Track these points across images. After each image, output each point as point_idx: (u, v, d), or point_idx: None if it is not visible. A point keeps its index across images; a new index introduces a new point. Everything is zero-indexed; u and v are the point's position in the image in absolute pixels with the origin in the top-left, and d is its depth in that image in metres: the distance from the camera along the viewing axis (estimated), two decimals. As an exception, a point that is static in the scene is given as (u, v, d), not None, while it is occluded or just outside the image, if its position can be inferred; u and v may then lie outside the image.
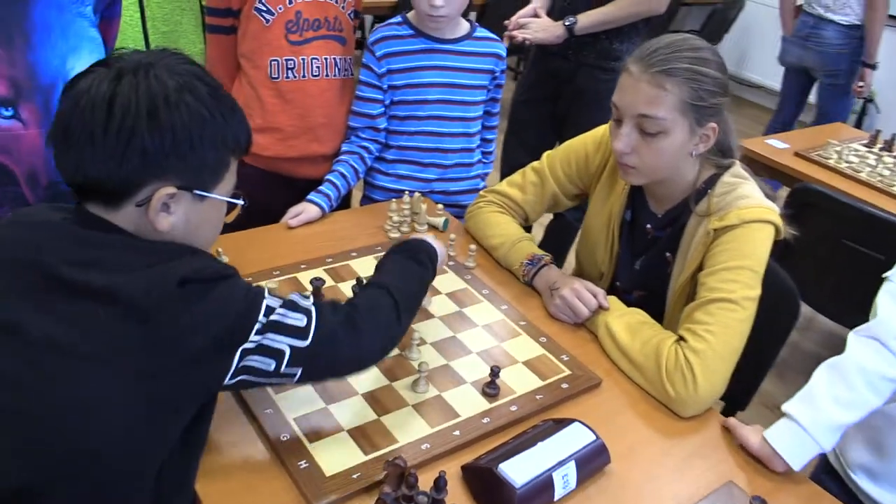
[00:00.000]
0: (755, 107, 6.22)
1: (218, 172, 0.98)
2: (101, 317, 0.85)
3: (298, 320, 0.98)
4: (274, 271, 1.51)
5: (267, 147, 1.86)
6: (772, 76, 6.02)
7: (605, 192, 1.62)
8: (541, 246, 2.90)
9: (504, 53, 1.93)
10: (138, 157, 0.89)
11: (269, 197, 1.88)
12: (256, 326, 0.93)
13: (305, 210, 1.74)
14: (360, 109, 1.89)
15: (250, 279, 1.46)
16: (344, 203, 1.99)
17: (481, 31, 1.91)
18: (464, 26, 1.88)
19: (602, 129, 1.64)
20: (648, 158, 1.39)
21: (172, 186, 0.93)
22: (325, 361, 1.03)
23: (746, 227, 1.37)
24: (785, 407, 1.23)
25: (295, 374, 0.99)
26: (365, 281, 1.38)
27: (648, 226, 1.56)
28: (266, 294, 0.98)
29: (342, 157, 1.89)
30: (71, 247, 0.91)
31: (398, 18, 1.87)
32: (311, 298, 1.06)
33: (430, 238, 1.35)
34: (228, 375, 0.92)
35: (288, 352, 0.96)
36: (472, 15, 4.64)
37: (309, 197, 1.78)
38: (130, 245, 0.93)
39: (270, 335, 0.95)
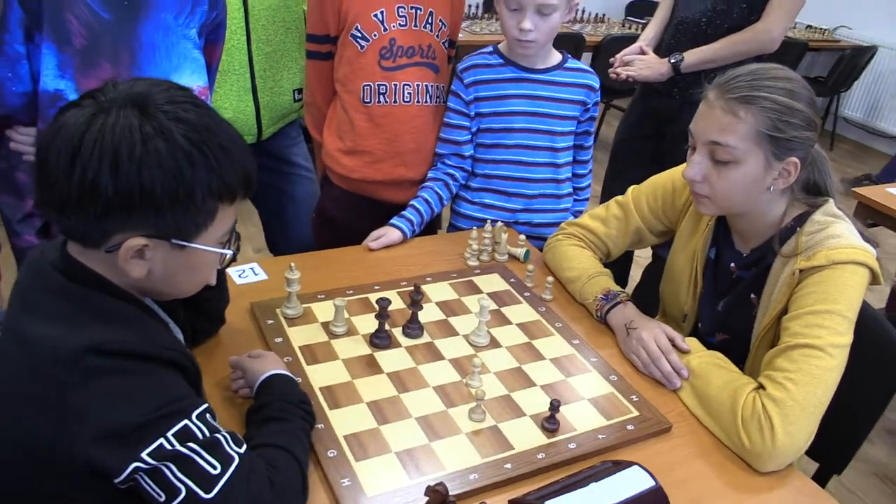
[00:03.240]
0: (884, 157, 5.83)
1: (202, 222, 0.92)
2: (23, 365, 0.86)
3: (211, 466, 0.86)
4: (347, 290, 1.52)
5: (355, 169, 1.89)
6: (906, 126, 5.68)
7: (690, 228, 1.55)
8: (638, 287, 2.80)
9: (597, 85, 1.90)
10: (102, 209, 0.85)
11: (353, 218, 1.93)
12: (158, 443, 0.83)
13: (387, 233, 1.76)
14: (447, 136, 1.90)
15: (322, 296, 1.48)
16: (431, 229, 1.99)
17: (573, 63, 1.89)
18: (555, 56, 1.87)
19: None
20: (719, 188, 1.33)
21: (143, 237, 0.89)
22: None
23: (836, 269, 1.27)
24: None
25: None
26: (420, 292, 1.38)
27: (732, 265, 1.47)
28: (195, 415, 0.87)
29: (427, 183, 1.90)
30: (36, 293, 0.92)
31: (489, 48, 1.88)
32: (244, 448, 0.92)
33: (284, 370, 1.17)
34: (118, 478, 0.83)
35: (182, 495, 0.85)
36: (587, 57, 4.61)
37: (392, 221, 1.79)
38: (81, 297, 0.90)
39: (171, 466, 0.84)
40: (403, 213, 1.82)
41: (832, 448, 1.52)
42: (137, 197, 0.85)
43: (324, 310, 1.44)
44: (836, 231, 1.30)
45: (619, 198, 1.69)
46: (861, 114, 5.98)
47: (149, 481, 0.84)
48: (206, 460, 0.86)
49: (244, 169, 0.94)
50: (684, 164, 1.58)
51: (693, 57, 2.29)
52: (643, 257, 3.00)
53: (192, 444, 0.86)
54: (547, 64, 1.85)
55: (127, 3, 1.46)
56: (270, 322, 1.39)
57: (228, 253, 1.01)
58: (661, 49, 2.45)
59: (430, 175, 1.92)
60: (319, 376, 1.26)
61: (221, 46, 1.72)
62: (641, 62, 2.37)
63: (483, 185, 1.92)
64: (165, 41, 1.53)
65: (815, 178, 1.37)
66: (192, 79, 1.57)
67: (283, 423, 1.06)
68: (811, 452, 1.37)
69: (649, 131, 2.52)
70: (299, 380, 1.21)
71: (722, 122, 1.28)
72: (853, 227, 1.33)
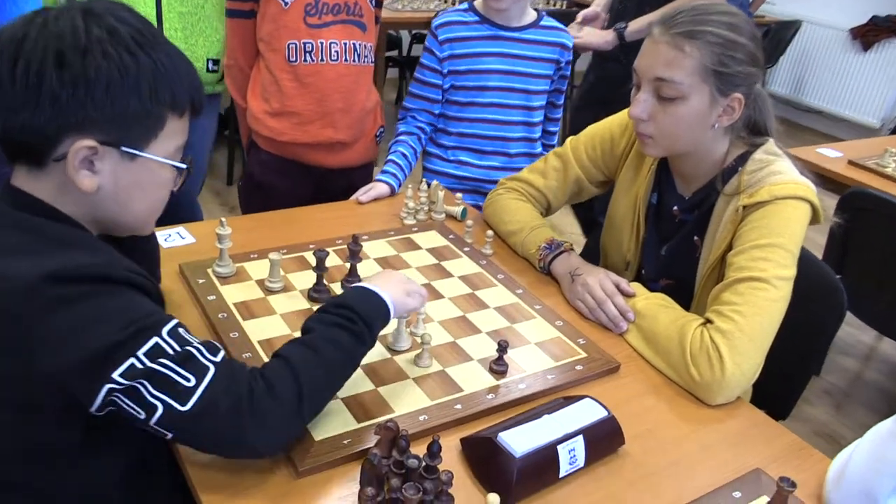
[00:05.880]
0: (813, 132, 5.99)
1: (150, 128, 0.90)
2: None
3: (185, 379, 0.84)
4: (281, 249, 1.45)
5: (282, 132, 1.83)
6: (831, 100, 5.83)
7: (631, 174, 1.54)
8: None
9: (570, 44, 1.91)
10: (48, 105, 0.83)
11: (283, 183, 1.87)
12: (129, 363, 0.81)
13: (375, 187, 1.76)
14: (418, 91, 1.89)
15: (255, 255, 1.41)
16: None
17: (548, 21, 1.89)
18: (531, 15, 1.87)
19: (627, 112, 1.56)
20: (665, 126, 1.31)
21: (92, 139, 0.86)
22: (203, 437, 0.88)
23: (779, 204, 1.27)
24: None
25: (166, 435, 0.86)
26: (358, 243, 1.33)
27: (675, 208, 1.46)
28: (165, 332, 0.85)
29: (400, 137, 1.89)
30: None
31: (464, 5, 1.87)
32: (220, 356, 0.89)
33: (382, 290, 1.07)
34: (94, 405, 0.82)
35: (160, 411, 0.83)
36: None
37: (378, 177, 1.79)
38: (32, 226, 0.87)
39: (145, 383, 0.82)
40: (386, 168, 1.82)
41: (777, 394, 1.53)
42: (82, 88, 0.83)
43: (257, 268, 1.38)
44: (778, 168, 1.30)
45: (557, 149, 1.66)
46: (787, 90, 6.13)
47: (126, 400, 0.83)
48: (179, 374, 0.84)
49: (191, 82, 0.93)
50: (622, 113, 1.57)
51: (635, 25, 2.40)
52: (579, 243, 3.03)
53: (163, 360, 0.84)
54: (522, 22, 1.85)
55: None
56: (202, 281, 1.32)
57: (182, 167, 0.97)
58: (612, 14, 2.56)
59: (401, 129, 1.91)
60: (257, 330, 1.20)
61: None
62: (588, 32, 2.45)
63: (457, 144, 1.92)
64: None
65: (756, 118, 1.36)
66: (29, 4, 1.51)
67: (349, 333, 0.99)
68: (755, 399, 1.36)
69: (602, 96, 2.56)
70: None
71: (667, 57, 1.26)
72: (793, 165, 1.33)
